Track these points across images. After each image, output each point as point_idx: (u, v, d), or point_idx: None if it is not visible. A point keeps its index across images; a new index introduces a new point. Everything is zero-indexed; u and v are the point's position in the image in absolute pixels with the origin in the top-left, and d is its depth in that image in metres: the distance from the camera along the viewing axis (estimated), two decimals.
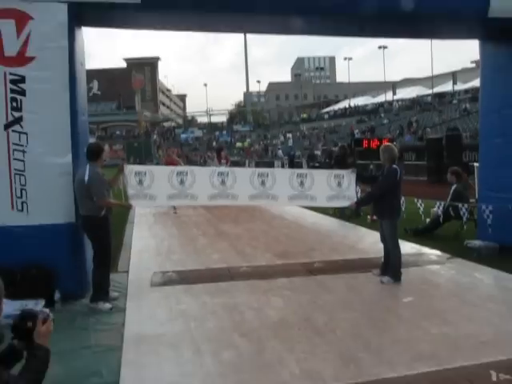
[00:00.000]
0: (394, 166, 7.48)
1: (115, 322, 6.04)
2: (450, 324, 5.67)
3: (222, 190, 7.47)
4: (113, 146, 70.54)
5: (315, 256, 9.23)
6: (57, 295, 6.36)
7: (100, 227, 6.55)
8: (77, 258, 6.82)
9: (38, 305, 5.84)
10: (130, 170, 7.25)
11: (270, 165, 41.91)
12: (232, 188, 7.49)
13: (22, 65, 6.48)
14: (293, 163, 39.28)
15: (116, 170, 7.45)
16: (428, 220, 10.94)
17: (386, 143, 9.06)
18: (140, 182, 7.16)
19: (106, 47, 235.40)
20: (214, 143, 74.90)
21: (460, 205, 9.58)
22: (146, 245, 10.85)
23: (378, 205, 7.81)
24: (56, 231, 6.55)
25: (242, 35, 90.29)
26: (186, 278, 7.90)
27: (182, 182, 7.34)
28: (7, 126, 6.48)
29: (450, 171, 11.27)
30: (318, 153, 44.82)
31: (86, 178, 6.38)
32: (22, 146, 6.51)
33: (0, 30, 6.40)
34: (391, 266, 7.48)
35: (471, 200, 10.54)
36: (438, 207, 10.31)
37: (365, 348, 5.03)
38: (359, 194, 8.67)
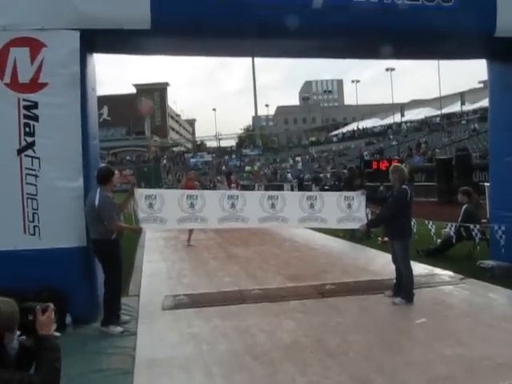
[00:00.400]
0: (404, 186, 7.46)
1: (126, 345, 6.02)
2: (465, 345, 5.60)
3: (231, 213, 7.47)
4: (123, 171, 70.92)
5: (326, 278, 9.17)
6: (68, 319, 6.33)
7: (111, 251, 6.56)
8: (88, 282, 6.83)
9: None
10: (141, 193, 7.27)
11: (280, 188, 41.94)
12: (242, 211, 7.49)
13: (35, 91, 6.59)
14: (302, 186, 39.34)
15: (126, 194, 7.49)
16: (439, 241, 10.87)
17: (395, 164, 9.04)
18: (150, 206, 7.17)
19: (116, 73, 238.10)
20: (224, 167, 75.16)
21: (472, 225, 9.52)
22: (156, 268, 10.85)
23: (388, 226, 7.78)
24: (68, 255, 6.57)
25: (249, 59, 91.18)
26: (197, 301, 7.86)
27: (192, 206, 7.35)
28: (20, 151, 6.56)
29: (461, 191, 11.23)
30: (324, 175, 44.92)
31: (97, 201, 6.42)
32: (34, 170, 6.58)
33: (15, 58, 6.53)
34: (403, 287, 7.42)
35: (483, 220, 10.47)
36: (450, 228, 10.25)
37: (378, 370, 4.97)
38: (369, 216, 8.64)
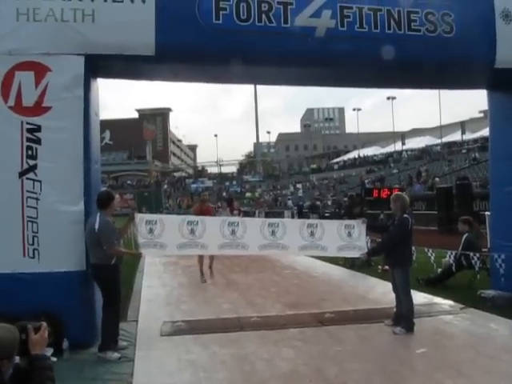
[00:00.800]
0: (406, 215, 7.47)
1: (124, 371, 5.96)
2: (466, 377, 5.55)
3: (232, 239, 7.45)
4: (123, 196, 71.03)
5: (326, 306, 9.12)
6: (65, 344, 6.28)
7: (110, 276, 6.53)
8: (86, 307, 6.78)
9: (46, 353, 5.77)
10: (141, 218, 7.27)
11: (280, 215, 41.98)
12: (242, 238, 7.47)
13: (38, 114, 6.65)
14: (302, 213, 39.35)
15: (126, 219, 7.49)
16: (440, 270, 10.83)
17: (397, 192, 9.05)
18: (150, 231, 7.16)
19: (118, 98, 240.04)
20: (224, 193, 75.21)
21: (472, 254, 9.49)
22: (155, 294, 10.79)
23: (389, 254, 7.77)
24: (66, 279, 6.55)
25: (252, 87, 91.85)
26: (195, 328, 7.81)
27: (192, 232, 7.34)
28: (22, 174, 6.59)
29: (461, 220, 11.23)
30: (324, 203, 45.00)
31: (97, 226, 6.42)
32: (35, 193, 6.59)
33: (20, 81, 6.60)
34: (404, 316, 7.38)
35: (484, 249, 10.44)
36: (450, 257, 10.23)
37: None
38: (369, 244, 8.62)
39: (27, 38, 6.62)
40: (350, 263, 13.78)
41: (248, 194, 74.50)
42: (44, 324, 3.07)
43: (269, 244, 7.55)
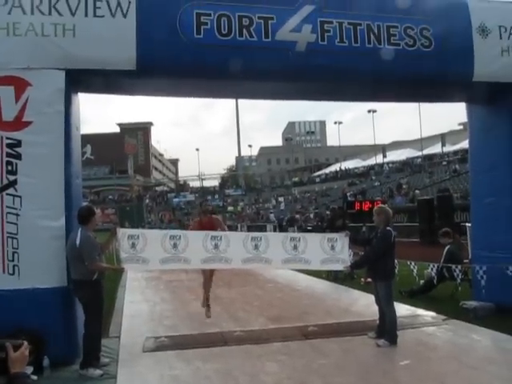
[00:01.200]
0: (389, 228, 7.51)
1: None
2: None
3: (215, 253, 7.42)
4: (105, 210, 70.57)
5: (309, 320, 9.10)
6: (46, 361, 6.18)
7: (91, 291, 6.46)
8: (68, 323, 6.69)
9: (26, 371, 5.68)
10: (123, 233, 7.21)
11: (262, 229, 41.92)
12: (225, 252, 7.44)
13: (18, 129, 6.59)
14: (282, 227, 39.45)
15: (108, 234, 7.44)
16: (422, 282, 10.86)
17: (380, 205, 9.06)
18: (133, 246, 7.11)
19: (100, 112, 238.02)
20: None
21: (454, 266, 9.56)
22: (138, 309, 10.70)
23: (372, 267, 7.78)
24: (47, 295, 6.46)
25: (233, 101, 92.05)
26: (178, 343, 7.75)
27: (175, 246, 7.29)
28: (2, 189, 6.53)
29: (442, 233, 11.32)
30: (305, 216, 45.11)
31: (78, 241, 6.36)
32: (15, 209, 6.52)
33: (0, 96, 6.54)
34: (387, 328, 7.39)
35: (465, 260, 10.52)
36: (432, 269, 10.27)
37: None
38: (352, 257, 8.63)
39: (7, 53, 6.59)
40: (333, 276, 13.79)
41: (230, 208, 74.36)
42: (25, 343, 3.02)
43: (252, 258, 7.53)
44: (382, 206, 8.76)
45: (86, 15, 6.81)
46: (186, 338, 8.06)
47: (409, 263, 10.39)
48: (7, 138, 6.56)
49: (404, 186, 47.14)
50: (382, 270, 7.41)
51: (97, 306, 6.55)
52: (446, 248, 10.86)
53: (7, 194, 6.53)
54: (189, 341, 7.89)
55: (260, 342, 7.68)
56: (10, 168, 6.55)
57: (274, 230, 38.76)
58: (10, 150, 6.55)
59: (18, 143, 6.58)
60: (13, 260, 6.51)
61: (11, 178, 6.55)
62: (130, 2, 6.92)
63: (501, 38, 8.21)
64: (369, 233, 13.19)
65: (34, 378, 5.59)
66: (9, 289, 6.41)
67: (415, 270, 10.24)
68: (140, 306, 11.10)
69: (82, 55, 6.80)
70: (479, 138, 9.39)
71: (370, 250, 7.76)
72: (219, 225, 9.41)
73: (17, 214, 6.53)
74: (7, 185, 6.54)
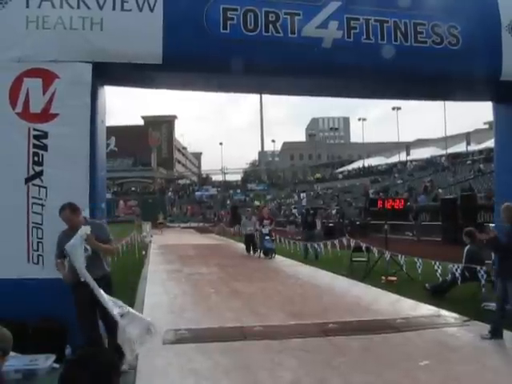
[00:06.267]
0: None
1: (126, 380, 5.91)
2: None
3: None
4: (127, 202, 71.16)
5: (329, 317, 9.07)
6: (68, 350, 6.28)
7: (74, 296, 5.95)
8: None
9: (48, 359, 5.78)
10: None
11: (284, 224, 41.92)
12: None
13: (45, 121, 6.70)
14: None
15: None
16: (448, 277, 10.69)
17: (507, 203, 8.53)
18: None
19: (124, 104, 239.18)
20: (228, 201, 75.16)
21: (478, 267, 9.44)
22: (158, 301, 10.76)
23: (504, 264, 7.54)
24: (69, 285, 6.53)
25: (258, 96, 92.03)
26: (198, 337, 7.79)
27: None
28: (28, 180, 6.64)
29: (464, 233, 11.21)
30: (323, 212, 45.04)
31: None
32: (41, 199, 6.64)
33: (28, 88, 6.67)
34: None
35: (487, 261, 10.39)
36: (456, 270, 10.14)
37: None
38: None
39: (36, 46, 6.69)
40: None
41: (256, 203, 74.04)
42: None
43: None
44: (509, 204, 8.36)
45: (114, 9, 6.89)
46: (205, 332, 8.10)
47: (433, 263, 10.32)
48: (34, 130, 6.67)
49: (427, 185, 46.67)
50: None
51: (80, 310, 5.92)
52: (466, 248, 10.73)
53: (33, 185, 6.64)
54: (209, 334, 7.93)
55: (279, 338, 7.68)
56: (36, 159, 6.66)
57: (296, 225, 38.36)
58: (36, 142, 6.67)
59: (45, 135, 6.69)
60: (37, 250, 6.62)
61: (37, 168, 6.66)
62: None
63: None
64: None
65: (56, 366, 5.68)
66: (33, 278, 6.52)
67: (439, 270, 10.16)
68: (160, 298, 11.16)
69: (108, 48, 6.88)
70: (505, 137, 9.28)
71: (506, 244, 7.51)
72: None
73: (42, 205, 6.64)
74: (34, 175, 6.65)
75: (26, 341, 5.77)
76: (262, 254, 20.23)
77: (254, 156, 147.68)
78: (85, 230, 5.74)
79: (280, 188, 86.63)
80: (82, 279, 5.67)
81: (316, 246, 18.85)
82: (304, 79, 8.00)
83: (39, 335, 6.20)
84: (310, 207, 21.17)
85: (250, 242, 21.87)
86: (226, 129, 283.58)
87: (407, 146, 74.47)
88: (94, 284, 5.62)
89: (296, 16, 7.36)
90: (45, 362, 5.74)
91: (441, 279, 10.57)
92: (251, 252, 21.54)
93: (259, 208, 38.91)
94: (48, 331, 6.28)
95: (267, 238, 20.07)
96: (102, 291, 5.65)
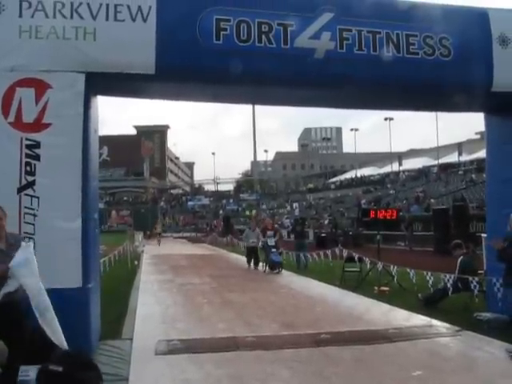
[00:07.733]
0: None
1: None
2: None
3: None
4: (120, 212, 70.96)
5: (322, 327, 9.05)
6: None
7: None
8: (82, 324, 6.73)
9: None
10: None
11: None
12: None
13: (38, 131, 6.69)
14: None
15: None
16: (439, 285, 10.69)
17: None
18: None
19: (117, 114, 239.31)
20: (221, 211, 75.14)
21: (470, 278, 9.47)
22: (150, 312, 10.71)
23: None
24: (62, 296, 6.50)
25: (250, 106, 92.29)
26: (190, 347, 7.75)
27: None
28: (20, 190, 6.60)
29: (453, 245, 11.26)
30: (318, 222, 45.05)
31: None
32: (33, 209, 6.61)
33: (20, 98, 6.66)
34: None
35: (479, 271, 10.42)
36: (448, 280, 10.15)
37: None
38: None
39: (29, 55, 6.69)
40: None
41: (247, 213, 74.13)
42: None
43: None
44: None
45: (107, 19, 6.90)
46: (198, 342, 8.06)
47: (425, 274, 10.33)
48: (27, 139, 6.65)
49: (420, 195, 46.84)
50: None
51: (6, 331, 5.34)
52: (459, 259, 10.75)
53: (25, 195, 6.61)
54: (201, 345, 7.90)
55: (272, 348, 7.66)
56: (28, 169, 6.64)
57: (288, 235, 38.35)
58: (29, 151, 6.65)
59: (38, 144, 6.67)
60: None
61: (30, 178, 6.64)
62: (150, 7, 7.00)
63: None
64: None
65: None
66: None
67: (431, 281, 10.18)
68: (153, 309, 11.11)
69: (102, 59, 6.90)
70: (497, 148, 9.34)
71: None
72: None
73: (34, 215, 6.61)
74: (26, 185, 6.62)
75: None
76: (267, 268, 18.78)
77: (247, 166, 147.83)
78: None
79: (273, 198, 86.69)
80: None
81: (302, 256, 18.84)
82: (297, 90, 8.03)
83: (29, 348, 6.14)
84: (299, 217, 21.17)
85: (251, 254, 20.29)
86: (219, 138, 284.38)
87: (399, 156, 74.88)
88: None
89: (289, 27, 7.40)
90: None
91: (432, 289, 10.59)
92: (251, 265, 20.12)
93: (258, 218, 38.79)
94: (40, 343, 6.21)
95: (274, 250, 18.79)
96: None
